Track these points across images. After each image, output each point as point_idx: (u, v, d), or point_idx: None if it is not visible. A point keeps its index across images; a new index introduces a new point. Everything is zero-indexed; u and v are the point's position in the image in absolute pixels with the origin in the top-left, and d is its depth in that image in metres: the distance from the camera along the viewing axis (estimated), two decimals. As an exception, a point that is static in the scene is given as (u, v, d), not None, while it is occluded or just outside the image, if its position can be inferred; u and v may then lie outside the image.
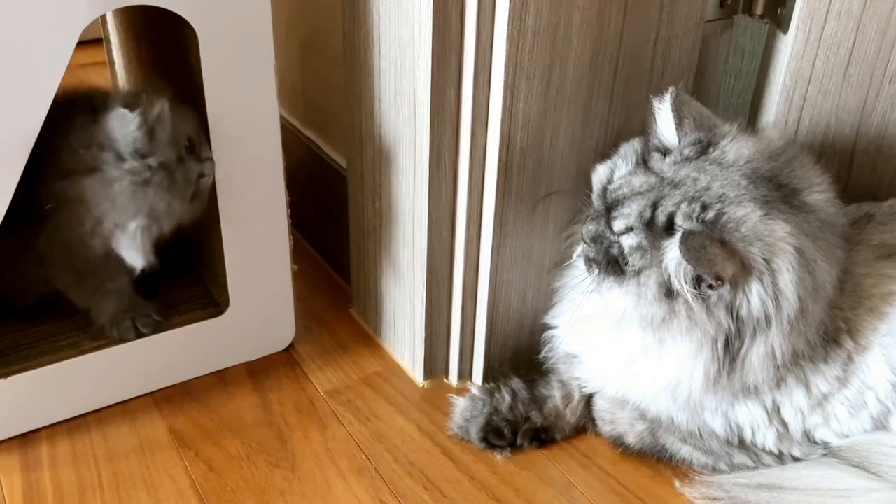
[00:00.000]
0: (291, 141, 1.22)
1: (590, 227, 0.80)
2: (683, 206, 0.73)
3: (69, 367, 0.90)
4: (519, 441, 0.90)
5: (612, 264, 0.77)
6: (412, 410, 0.96)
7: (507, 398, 0.91)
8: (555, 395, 0.91)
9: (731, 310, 0.72)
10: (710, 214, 0.72)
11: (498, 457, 0.89)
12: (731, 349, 0.73)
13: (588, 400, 0.92)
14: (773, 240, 0.71)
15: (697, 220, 0.72)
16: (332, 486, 0.86)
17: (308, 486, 0.85)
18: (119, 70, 1.36)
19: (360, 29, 0.90)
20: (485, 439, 0.89)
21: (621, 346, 0.81)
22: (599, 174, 0.82)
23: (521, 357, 0.99)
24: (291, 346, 1.05)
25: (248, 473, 0.87)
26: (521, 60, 0.80)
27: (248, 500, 0.83)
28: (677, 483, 0.86)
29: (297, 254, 1.00)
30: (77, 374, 0.91)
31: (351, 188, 1.04)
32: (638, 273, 0.75)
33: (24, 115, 0.77)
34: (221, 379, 0.99)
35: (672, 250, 0.71)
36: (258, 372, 1.01)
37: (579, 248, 0.85)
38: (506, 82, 0.80)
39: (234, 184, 0.90)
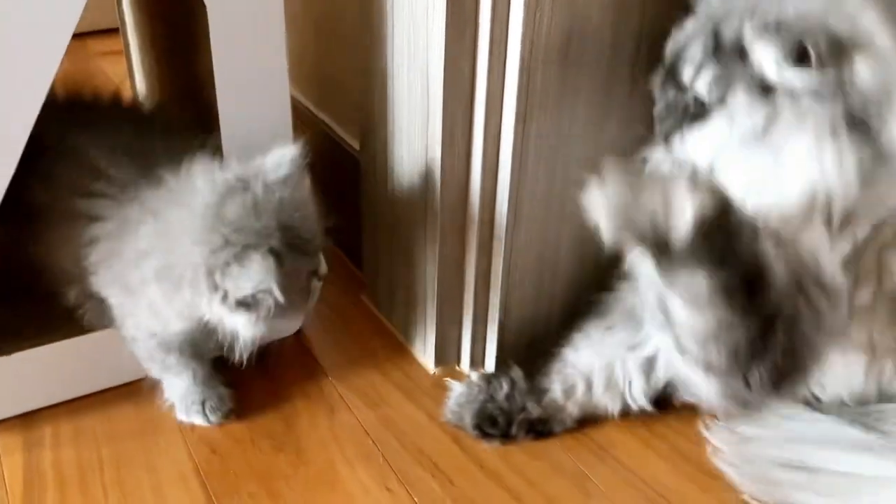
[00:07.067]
0: (306, 124, 1.20)
1: (660, 103, 0.77)
2: (746, 20, 0.69)
3: (73, 345, 0.88)
4: (514, 431, 0.87)
5: (693, 116, 0.74)
6: (422, 397, 0.93)
7: (505, 387, 0.88)
8: (554, 388, 0.88)
9: (841, 85, 0.67)
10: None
11: (485, 446, 0.87)
12: (859, 130, 0.67)
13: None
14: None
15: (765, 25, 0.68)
16: (338, 472, 0.83)
17: (313, 472, 0.83)
18: (134, 55, 1.36)
19: (374, 3, 0.88)
20: (478, 426, 0.87)
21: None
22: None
23: (536, 346, 0.96)
24: (301, 330, 1.03)
25: (251, 457, 0.84)
26: (539, 33, 0.77)
27: (250, 484, 0.81)
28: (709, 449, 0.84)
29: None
30: (81, 353, 0.89)
31: (363, 170, 1.02)
32: (721, 99, 0.71)
33: (21, 103, 0.75)
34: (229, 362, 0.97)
35: (760, 50, 0.67)
36: (267, 356, 0.98)
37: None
38: (522, 57, 0.78)
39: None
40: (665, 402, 0.88)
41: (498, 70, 0.80)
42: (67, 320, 0.89)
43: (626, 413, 0.89)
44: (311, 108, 1.23)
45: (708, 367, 0.71)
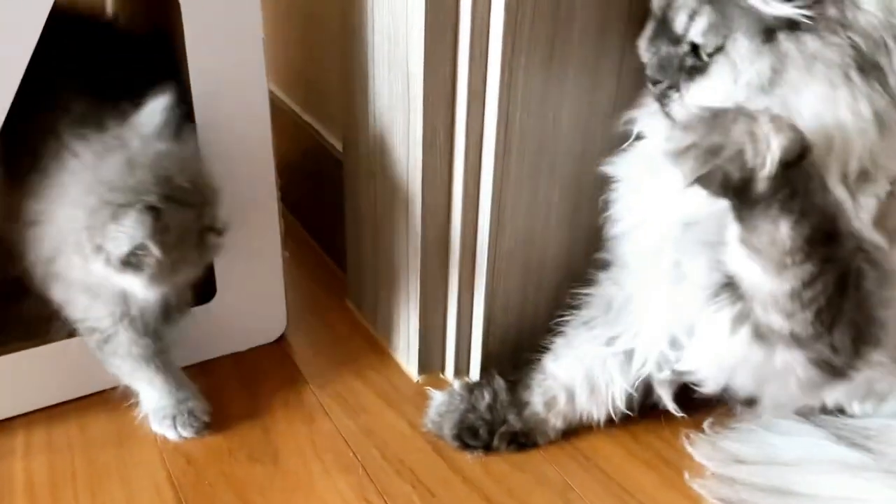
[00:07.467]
0: (291, 126, 1.18)
1: (652, 61, 0.73)
2: None
3: (49, 352, 0.86)
4: (495, 443, 0.84)
5: (690, 70, 0.70)
6: (405, 406, 0.91)
7: (487, 397, 0.86)
8: (535, 401, 0.86)
9: (844, 23, 0.62)
10: None
11: (468, 457, 0.84)
12: (872, 75, 0.63)
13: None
14: None
15: None
16: (315, 483, 0.81)
17: (290, 482, 0.81)
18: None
19: (355, 3, 0.86)
20: (458, 437, 0.84)
21: None
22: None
23: (522, 354, 0.93)
24: (283, 337, 1.00)
25: (227, 467, 0.82)
26: (521, 30, 0.75)
27: (225, 495, 0.79)
28: (687, 475, 0.81)
29: (298, 245, 0.96)
30: (57, 360, 0.87)
31: (347, 173, 1.00)
32: (721, 48, 0.67)
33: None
34: (207, 370, 0.95)
35: None
36: (246, 363, 0.96)
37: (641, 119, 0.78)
38: (504, 55, 0.75)
39: (220, 163, 0.85)
40: (650, 409, 0.86)
41: (479, 68, 0.78)
42: (40, 327, 0.87)
43: (611, 421, 0.87)
44: (297, 110, 1.21)
45: (793, 339, 0.67)
